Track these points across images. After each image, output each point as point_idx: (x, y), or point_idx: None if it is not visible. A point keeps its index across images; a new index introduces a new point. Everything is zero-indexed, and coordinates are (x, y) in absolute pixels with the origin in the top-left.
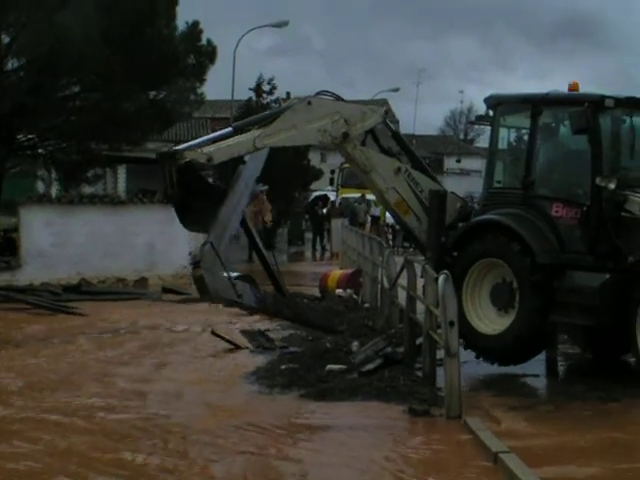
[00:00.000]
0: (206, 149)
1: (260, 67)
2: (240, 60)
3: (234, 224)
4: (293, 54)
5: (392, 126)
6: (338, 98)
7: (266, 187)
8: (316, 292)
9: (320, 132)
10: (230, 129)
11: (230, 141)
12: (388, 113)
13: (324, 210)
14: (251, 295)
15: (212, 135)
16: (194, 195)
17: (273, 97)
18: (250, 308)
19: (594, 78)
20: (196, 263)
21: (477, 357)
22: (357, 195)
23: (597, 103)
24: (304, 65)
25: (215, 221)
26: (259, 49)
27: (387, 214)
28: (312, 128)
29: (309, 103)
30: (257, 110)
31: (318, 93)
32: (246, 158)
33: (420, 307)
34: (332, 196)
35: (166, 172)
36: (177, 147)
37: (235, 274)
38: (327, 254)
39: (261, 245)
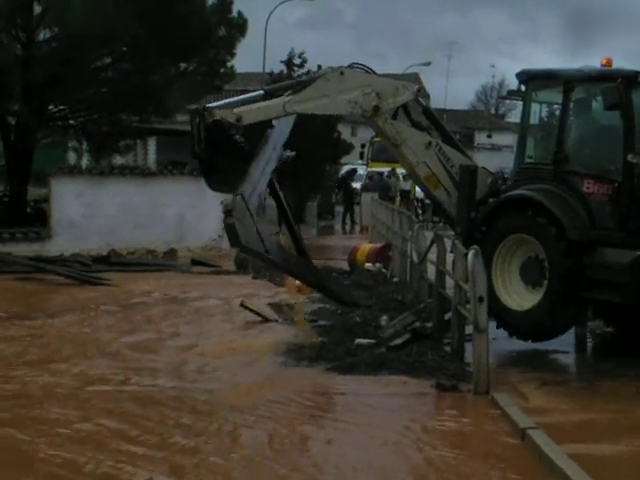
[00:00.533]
0: (236, 109)
1: (290, 39)
2: (271, 32)
3: (262, 184)
4: (324, 27)
5: (423, 102)
6: (370, 71)
7: (293, 153)
8: (345, 266)
9: (351, 103)
10: (261, 92)
11: (260, 104)
12: (420, 91)
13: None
14: (278, 253)
15: (242, 97)
16: (221, 154)
17: (304, 70)
18: (275, 264)
19: (627, 54)
20: (228, 212)
21: (510, 336)
22: (385, 169)
23: (630, 79)
24: (335, 38)
25: (245, 177)
26: (290, 21)
27: (417, 188)
28: (343, 99)
29: (342, 73)
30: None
31: (350, 65)
32: (274, 122)
33: (449, 282)
34: (361, 170)
35: (194, 129)
36: (208, 105)
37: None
38: (357, 228)
39: (288, 210)
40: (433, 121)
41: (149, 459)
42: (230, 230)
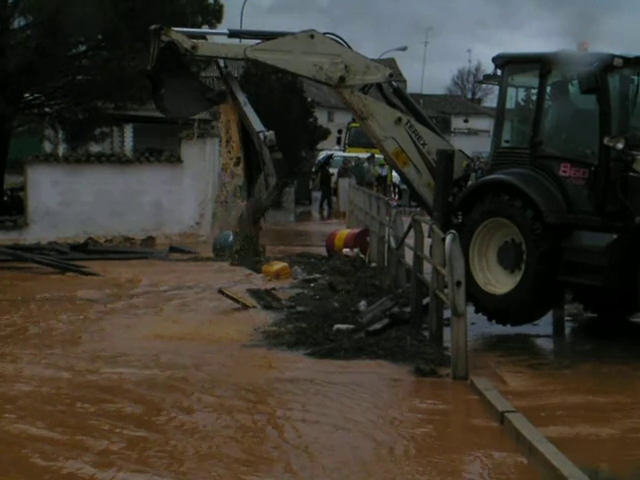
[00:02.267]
0: (195, 40)
1: (263, 24)
2: (244, 17)
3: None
4: (297, 11)
5: (394, 84)
6: (346, 45)
7: (272, 132)
8: (323, 252)
9: (316, 67)
10: (226, 31)
11: (222, 41)
12: (392, 76)
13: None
14: None
15: (206, 31)
16: (171, 75)
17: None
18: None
19: (603, 36)
20: (273, 147)
21: (489, 320)
22: (364, 154)
23: (606, 63)
24: (308, 23)
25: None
26: (262, 6)
27: (394, 174)
28: (308, 60)
29: (311, 37)
30: (263, 67)
31: (326, 34)
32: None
33: (427, 267)
34: (341, 156)
35: (150, 45)
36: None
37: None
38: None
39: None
40: (406, 103)
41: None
42: (279, 164)
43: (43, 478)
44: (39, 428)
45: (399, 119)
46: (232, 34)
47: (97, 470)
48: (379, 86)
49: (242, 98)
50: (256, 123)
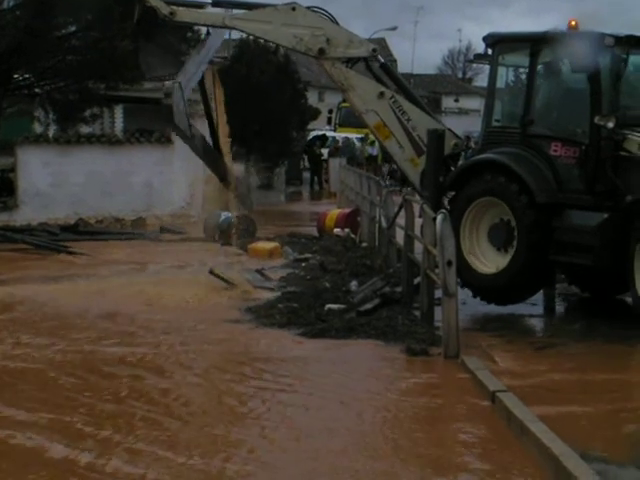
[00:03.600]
0: (174, 6)
1: None
2: None
3: (195, 80)
4: None
5: (381, 59)
6: (330, 18)
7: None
8: (314, 232)
9: (296, 38)
10: (209, 0)
11: (202, 10)
12: (376, 51)
13: (323, 150)
14: (200, 142)
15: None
16: (149, 38)
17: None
18: (194, 149)
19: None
20: (167, 94)
21: (474, 296)
22: (354, 135)
23: (597, 41)
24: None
25: (183, 70)
26: None
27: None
28: (287, 31)
29: (293, 9)
30: (254, 50)
31: (310, 7)
32: (211, 31)
33: (418, 247)
34: (330, 136)
35: (135, 10)
36: None
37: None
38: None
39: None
40: (394, 80)
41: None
42: (167, 109)
43: None
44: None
45: (381, 93)
46: (215, 3)
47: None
48: (366, 62)
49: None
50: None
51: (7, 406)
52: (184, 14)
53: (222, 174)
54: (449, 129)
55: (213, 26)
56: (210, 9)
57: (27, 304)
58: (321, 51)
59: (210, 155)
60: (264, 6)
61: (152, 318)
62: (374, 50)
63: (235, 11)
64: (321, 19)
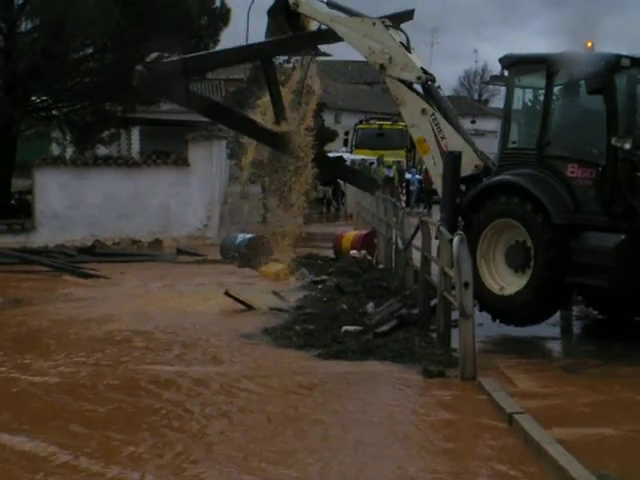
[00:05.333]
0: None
1: (263, 24)
2: (243, 16)
3: None
4: None
5: (426, 84)
6: (407, 39)
7: None
8: (330, 253)
9: (369, 50)
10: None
11: (318, 7)
12: (420, 79)
13: None
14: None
15: None
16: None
17: (286, 57)
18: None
19: (610, 37)
20: None
21: (493, 319)
22: (371, 157)
23: (613, 63)
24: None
25: None
26: (263, 6)
27: (407, 175)
28: (366, 43)
29: (374, 24)
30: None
31: (383, 20)
32: None
33: (435, 268)
34: (347, 157)
35: None
36: None
37: (249, 235)
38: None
39: None
40: (435, 99)
41: None
42: None
43: None
44: None
45: (424, 110)
46: (329, 4)
47: None
48: (411, 84)
49: None
50: None
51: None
52: (305, 7)
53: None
54: (481, 151)
55: (322, 22)
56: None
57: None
58: (382, 67)
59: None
60: (360, 16)
61: (170, 340)
62: (418, 78)
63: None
64: (390, 39)
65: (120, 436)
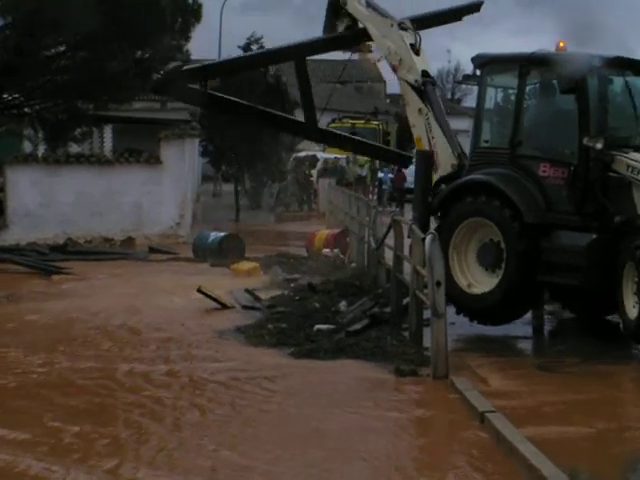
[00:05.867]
0: None
1: (239, 23)
2: (215, 15)
3: None
4: (269, 9)
5: (421, 87)
6: (418, 41)
7: None
8: (303, 252)
9: (387, 50)
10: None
11: (361, 6)
12: (417, 82)
13: (312, 170)
14: None
15: None
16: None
17: None
18: None
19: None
20: None
21: (471, 320)
22: (341, 156)
23: (585, 63)
24: (281, 22)
25: None
26: (233, 5)
27: (379, 174)
28: (385, 43)
29: (391, 25)
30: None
31: (401, 23)
32: None
33: (407, 267)
34: (320, 156)
35: None
36: None
37: (222, 234)
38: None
39: None
40: (429, 101)
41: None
42: None
43: None
44: None
45: (420, 110)
46: (367, 4)
47: None
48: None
49: None
50: None
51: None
52: (351, 6)
53: None
54: (463, 152)
55: (360, 20)
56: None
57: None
58: (394, 67)
59: None
60: (385, 16)
61: (145, 337)
62: (415, 80)
63: None
64: (401, 42)
65: (95, 429)
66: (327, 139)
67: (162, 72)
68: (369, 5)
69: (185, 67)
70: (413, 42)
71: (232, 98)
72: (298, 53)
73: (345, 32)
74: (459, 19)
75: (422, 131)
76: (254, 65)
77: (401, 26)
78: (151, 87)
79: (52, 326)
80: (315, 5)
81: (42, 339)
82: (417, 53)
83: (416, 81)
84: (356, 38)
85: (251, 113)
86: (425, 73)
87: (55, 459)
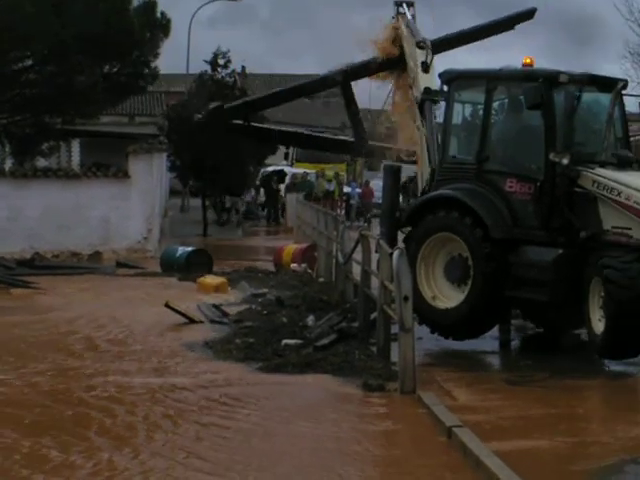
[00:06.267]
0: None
1: (205, 38)
2: (184, 31)
3: None
4: (237, 24)
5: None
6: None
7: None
8: (271, 266)
9: (411, 70)
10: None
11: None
12: (416, 98)
13: (281, 185)
14: None
15: None
16: None
17: (228, 70)
18: None
19: (547, 53)
20: None
21: (432, 332)
22: (311, 170)
23: (551, 79)
24: (248, 36)
25: None
26: (200, 19)
27: (343, 189)
28: (410, 63)
29: (414, 44)
30: (211, 85)
31: (420, 43)
32: None
33: (375, 282)
34: (288, 171)
35: None
36: None
37: (190, 248)
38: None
39: None
40: (425, 117)
41: None
42: None
43: None
44: None
45: (418, 127)
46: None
47: None
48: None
49: None
50: None
51: None
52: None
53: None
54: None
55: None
56: None
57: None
58: (410, 86)
59: None
60: (415, 37)
61: (109, 350)
62: (416, 98)
63: None
64: (415, 63)
65: (50, 442)
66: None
67: (203, 113)
68: (407, 25)
69: (227, 106)
70: (424, 60)
71: (273, 128)
72: (343, 79)
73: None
74: (512, 28)
75: (418, 147)
76: (299, 94)
77: (418, 45)
78: (194, 125)
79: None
80: (281, 18)
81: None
82: (426, 70)
83: (416, 98)
84: (394, 62)
85: (299, 139)
86: (427, 90)
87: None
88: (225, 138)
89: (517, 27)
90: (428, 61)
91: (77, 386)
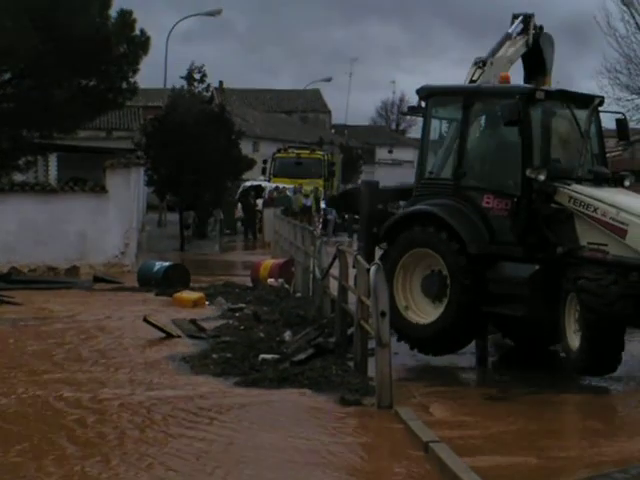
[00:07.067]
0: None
1: (181, 53)
2: (161, 46)
3: None
4: (214, 39)
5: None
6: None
7: None
8: (248, 281)
9: None
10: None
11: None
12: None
13: (258, 200)
14: None
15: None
16: None
17: (204, 85)
18: None
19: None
20: None
21: (411, 348)
22: (289, 185)
23: (528, 95)
24: (225, 50)
25: None
26: (176, 34)
27: (321, 204)
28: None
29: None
30: (188, 100)
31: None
32: None
33: (352, 297)
34: (266, 186)
35: None
36: None
37: (167, 263)
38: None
39: None
40: None
41: None
42: None
43: None
44: None
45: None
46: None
47: None
48: None
49: None
50: None
51: None
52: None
53: None
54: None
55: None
56: None
57: None
58: None
59: None
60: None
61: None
62: None
63: None
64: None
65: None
66: None
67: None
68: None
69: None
70: (475, 78)
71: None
72: None
73: None
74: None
75: None
76: None
77: (477, 64)
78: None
79: None
80: (259, 34)
81: None
82: None
83: None
84: None
85: None
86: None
87: None
88: (200, 152)
89: None
90: (474, 77)
91: (52, 396)
